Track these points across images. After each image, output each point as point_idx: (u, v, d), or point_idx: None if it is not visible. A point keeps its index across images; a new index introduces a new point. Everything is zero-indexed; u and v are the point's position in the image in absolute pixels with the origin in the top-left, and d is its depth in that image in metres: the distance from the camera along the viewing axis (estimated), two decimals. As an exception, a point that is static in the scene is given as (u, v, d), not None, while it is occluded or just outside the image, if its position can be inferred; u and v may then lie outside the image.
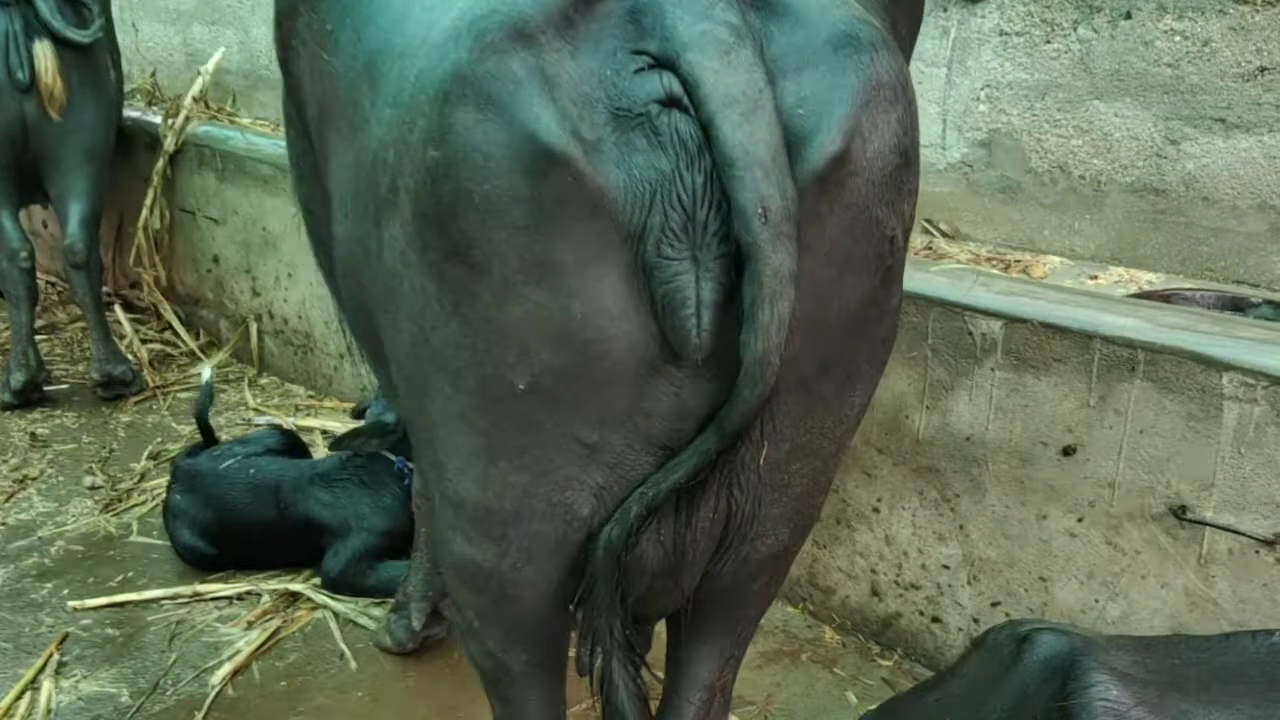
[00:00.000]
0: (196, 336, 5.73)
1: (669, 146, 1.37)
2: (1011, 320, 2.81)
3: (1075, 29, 3.55)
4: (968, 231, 3.92)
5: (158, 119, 5.60)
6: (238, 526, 3.57)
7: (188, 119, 5.44)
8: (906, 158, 1.50)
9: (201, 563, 3.66)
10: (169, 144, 5.40)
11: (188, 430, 4.83)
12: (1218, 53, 3.29)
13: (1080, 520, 2.78)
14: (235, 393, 5.26)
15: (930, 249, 3.84)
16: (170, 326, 5.79)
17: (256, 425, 4.85)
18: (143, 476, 4.38)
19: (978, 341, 2.88)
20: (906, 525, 3.14)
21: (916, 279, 3.10)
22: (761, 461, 1.60)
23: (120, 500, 4.21)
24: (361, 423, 3.55)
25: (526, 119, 1.33)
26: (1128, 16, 3.44)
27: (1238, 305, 3.14)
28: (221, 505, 3.58)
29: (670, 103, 1.37)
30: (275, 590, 3.54)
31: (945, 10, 3.79)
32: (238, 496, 3.57)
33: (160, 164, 5.43)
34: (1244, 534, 2.50)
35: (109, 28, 5.18)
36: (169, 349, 5.69)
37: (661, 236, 1.38)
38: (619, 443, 1.54)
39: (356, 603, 3.49)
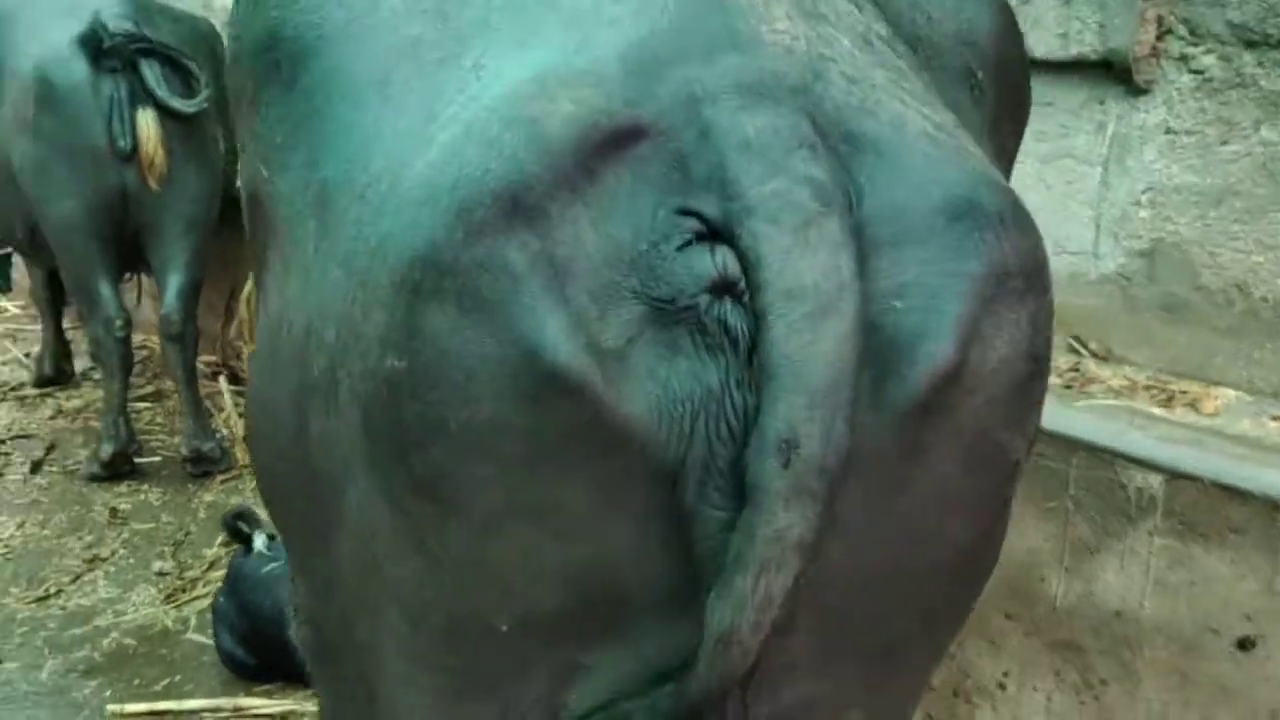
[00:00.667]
0: (292, 413, 5.59)
1: (719, 352, 1.01)
2: (1176, 476, 2.32)
3: (1257, 129, 3.07)
4: (1122, 354, 3.42)
5: (270, 192, 5.55)
6: (275, 638, 3.28)
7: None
8: (1038, 364, 1.14)
9: (243, 671, 3.40)
10: (277, 216, 5.32)
11: (267, 514, 4.64)
12: None
13: (1259, 732, 2.24)
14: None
15: (1077, 370, 3.35)
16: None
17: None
18: (211, 565, 4.18)
19: (1132, 498, 2.40)
20: (1039, 710, 2.63)
21: (1058, 415, 2.63)
22: None
23: (184, 590, 4.02)
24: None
25: (526, 329, 0.98)
26: (1325, 121, 2.95)
27: None
28: (258, 613, 3.30)
29: (725, 288, 1.01)
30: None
31: (1103, 103, 3.36)
32: (277, 606, 3.29)
33: (267, 236, 5.34)
34: None
35: (218, 96, 5.16)
36: (263, 425, 5.56)
37: (705, 476, 1.03)
38: (611, 663, 1.17)
39: None
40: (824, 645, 1.15)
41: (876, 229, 1.05)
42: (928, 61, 1.36)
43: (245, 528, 3.52)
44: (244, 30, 1.47)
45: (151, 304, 6.21)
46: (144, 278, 5.52)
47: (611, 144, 1.01)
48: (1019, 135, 1.63)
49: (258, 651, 3.33)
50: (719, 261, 1.00)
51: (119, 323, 4.77)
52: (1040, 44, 3.35)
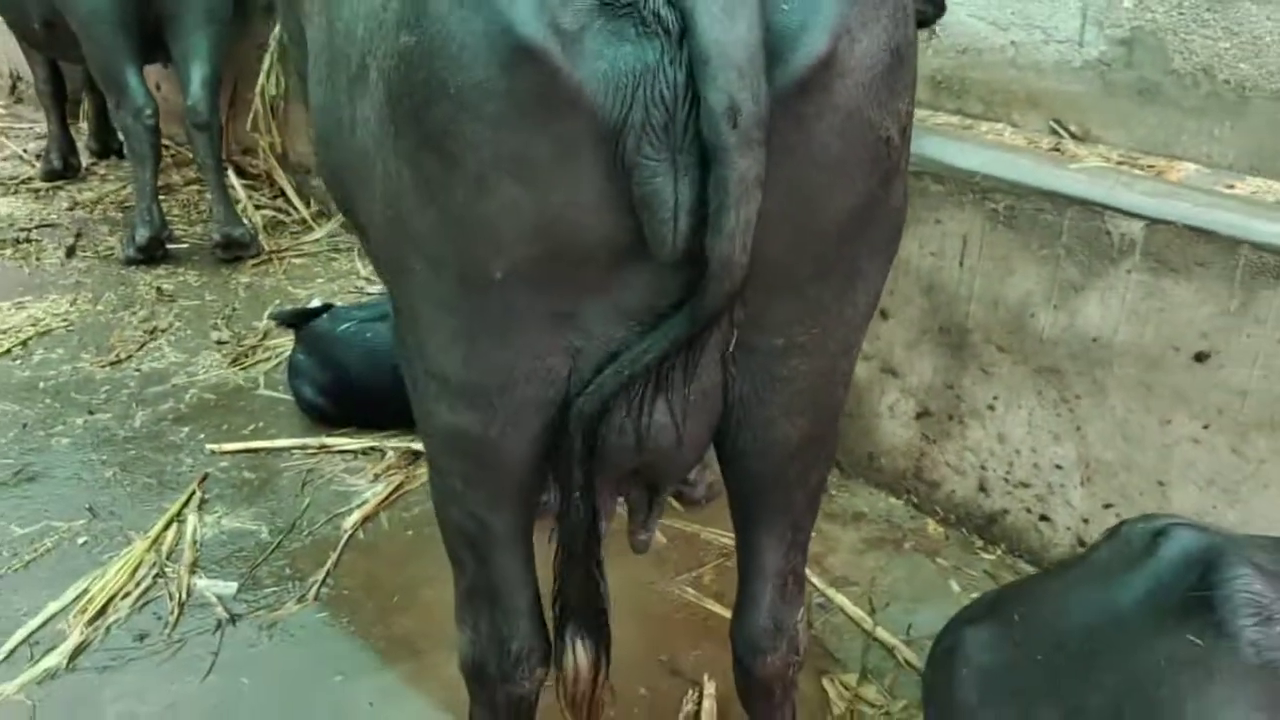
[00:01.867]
0: (308, 204, 5.86)
1: (655, 36, 1.30)
2: (1155, 222, 2.79)
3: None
4: (1099, 134, 3.83)
5: (276, -17, 5.64)
6: (354, 388, 3.71)
7: (307, -15, 5.46)
8: (899, 55, 1.43)
9: (324, 419, 3.83)
10: (288, 10, 5.44)
11: (303, 293, 5.00)
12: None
13: (1206, 427, 2.79)
14: (346, 261, 5.39)
15: (1059, 150, 3.77)
16: (283, 193, 5.92)
17: (368, 294, 4.99)
18: (265, 335, 4.56)
19: (1115, 242, 2.87)
20: (1021, 424, 3.17)
21: (1054, 176, 3.07)
22: (731, 349, 1.61)
23: (246, 355, 4.40)
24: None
25: (503, 9, 1.27)
26: (1296, -87, 3.29)
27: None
28: (339, 367, 3.72)
29: None
30: (398, 448, 3.70)
31: (1099, -99, 3.65)
32: (354, 360, 3.70)
33: (277, 29, 5.48)
34: None
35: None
36: (281, 215, 5.84)
37: (642, 134, 1.33)
38: (594, 313, 1.55)
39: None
40: (765, 279, 1.49)
41: None
42: None
43: (294, 319, 3.94)
44: None
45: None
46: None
47: None
48: None
49: (339, 400, 3.75)
50: None
51: (148, 111, 4.96)
52: None
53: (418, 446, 3.70)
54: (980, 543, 3.36)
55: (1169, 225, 2.75)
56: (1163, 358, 2.84)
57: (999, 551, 3.31)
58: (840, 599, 3.08)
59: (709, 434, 1.77)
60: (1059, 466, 3.12)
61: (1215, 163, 3.58)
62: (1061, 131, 3.94)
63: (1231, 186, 3.43)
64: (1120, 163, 3.68)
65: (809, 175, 1.43)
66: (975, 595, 2.83)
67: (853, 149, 1.45)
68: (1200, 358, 2.77)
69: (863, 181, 1.50)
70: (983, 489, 3.34)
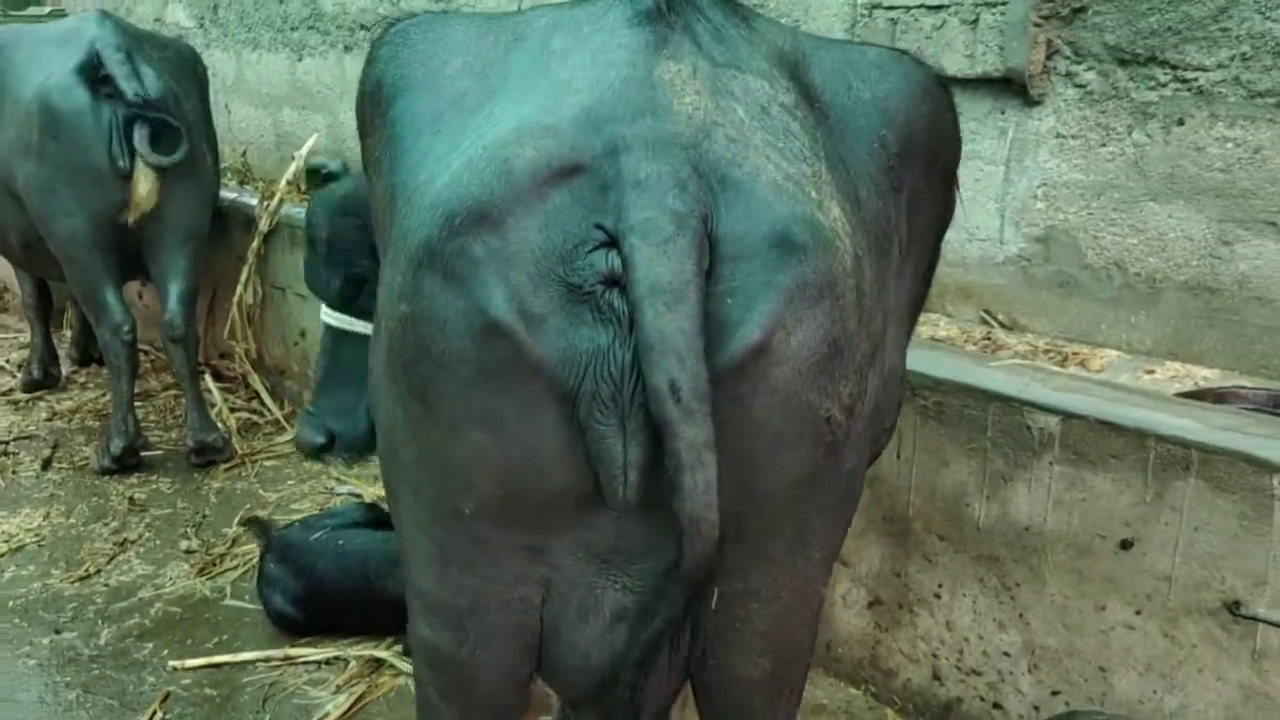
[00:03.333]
0: (281, 405, 6.02)
1: (609, 323, 1.49)
2: (1069, 416, 2.95)
3: (1130, 133, 3.71)
4: (1026, 323, 4.06)
5: (252, 200, 5.96)
6: (325, 595, 3.78)
7: (281, 200, 5.78)
8: (836, 347, 1.58)
9: (294, 628, 3.87)
10: (263, 224, 5.74)
11: (275, 497, 5.09)
12: (1269, 160, 3.42)
13: (1138, 613, 2.88)
14: (317, 463, 5.50)
15: (989, 339, 3.98)
16: (257, 396, 6.09)
17: (339, 495, 5.09)
18: (234, 541, 4.63)
19: (1036, 435, 3.02)
20: (967, 612, 3.25)
21: (976, 373, 3.25)
22: (713, 603, 1.72)
23: (214, 564, 4.46)
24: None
25: (479, 295, 1.50)
26: (1180, 123, 3.60)
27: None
28: (312, 575, 3.79)
29: (612, 282, 1.49)
30: (362, 656, 3.73)
31: (1003, 113, 3.98)
32: (326, 567, 3.78)
33: (255, 243, 5.76)
34: (1298, 630, 2.59)
35: (206, 114, 5.56)
36: (255, 417, 5.98)
37: (593, 402, 1.51)
38: (561, 549, 1.70)
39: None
40: (733, 542, 1.61)
41: (724, 247, 1.51)
42: (836, 122, 1.83)
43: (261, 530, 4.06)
44: (363, 80, 2.02)
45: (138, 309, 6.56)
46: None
47: (558, 176, 1.51)
48: (937, 170, 2.09)
49: (311, 608, 3.80)
50: (610, 262, 1.48)
51: (126, 328, 5.17)
52: (951, 64, 3.96)
53: (381, 654, 3.74)
54: (939, 732, 3.38)
55: (1083, 419, 2.91)
56: (1091, 545, 2.95)
57: (957, 741, 3.34)
58: (799, 799, 3.08)
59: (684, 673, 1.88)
60: (1006, 654, 3.19)
61: (1135, 349, 3.79)
62: (991, 321, 4.16)
63: (1151, 371, 3.63)
64: (1046, 350, 3.89)
65: (749, 445, 1.57)
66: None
67: (791, 425, 1.58)
68: (1125, 545, 2.88)
69: (805, 453, 1.63)
70: (936, 677, 3.38)
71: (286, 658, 3.76)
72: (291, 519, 4.75)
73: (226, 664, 3.74)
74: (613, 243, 1.49)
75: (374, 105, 1.93)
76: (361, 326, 3.07)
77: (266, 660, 3.76)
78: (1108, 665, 2.97)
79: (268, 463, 5.50)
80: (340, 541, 3.83)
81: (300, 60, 7.18)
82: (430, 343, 1.55)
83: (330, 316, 3.06)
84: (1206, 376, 3.56)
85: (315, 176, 3.16)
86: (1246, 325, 3.56)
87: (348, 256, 3.04)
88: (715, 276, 1.51)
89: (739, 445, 1.56)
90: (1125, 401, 2.92)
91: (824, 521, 1.82)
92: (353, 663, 3.71)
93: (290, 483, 5.27)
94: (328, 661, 3.75)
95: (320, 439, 3.09)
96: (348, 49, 6.78)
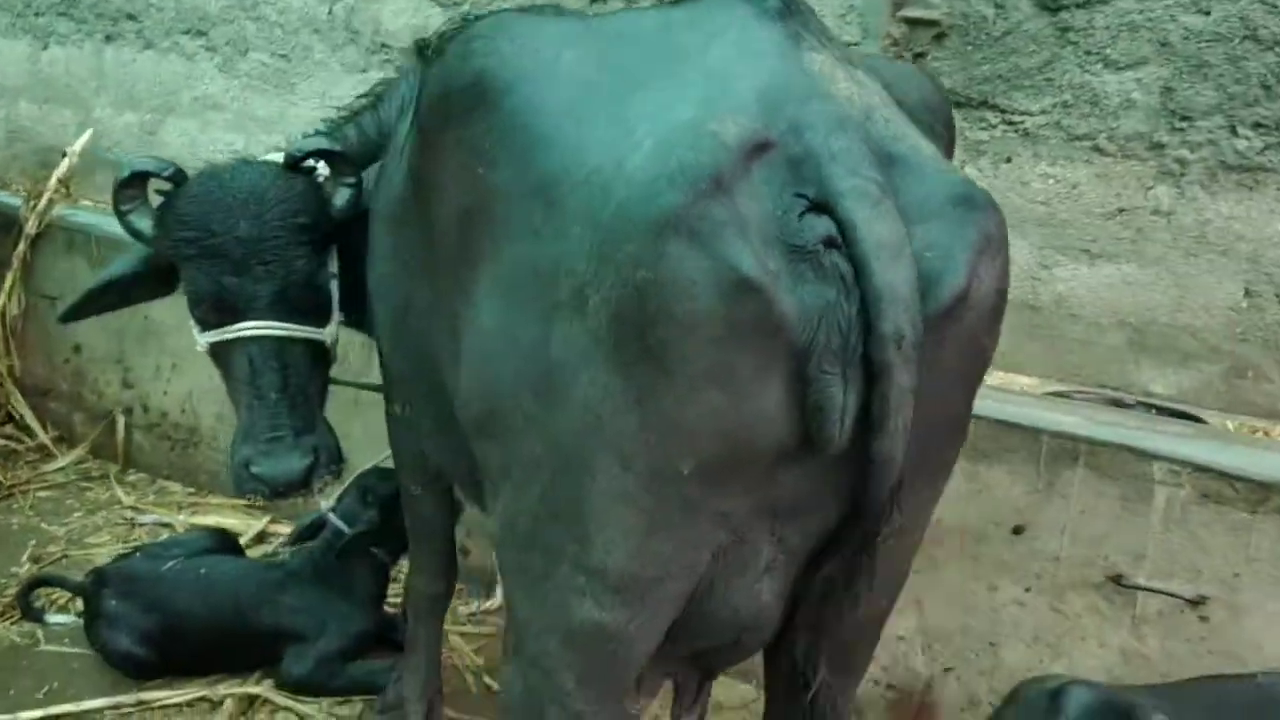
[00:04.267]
0: (46, 428, 5.35)
1: (831, 279, 1.61)
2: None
3: (961, 169, 4.15)
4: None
5: (14, 200, 5.28)
6: (187, 631, 3.43)
7: (51, 202, 5.17)
8: (1003, 295, 1.79)
9: (140, 669, 3.47)
10: (30, 227, 5.11)
11: (62, 530, 4.54)
12: (1084, 194, 3.94)
13: (1028, 590, 3.22)
14: (103, 489, 4.96)
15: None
16: (14, 419, 5.38)
17: (141, 524, 4.62)
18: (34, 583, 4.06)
19: (933, 435, 3.30)
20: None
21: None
22: (881, 542, 1.81)
23: (11, 609, 3.90)
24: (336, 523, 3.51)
25: (729, 255, 1.55)
26: (1008, 160, 4.06)
27: (1118, 405, 3.74)
28: (167, 610, 3.43)
29: (830, 243, 1.61)
30: (235, 694, 3.41)
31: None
32: (186, 600, 3.44)
33: (20, 248, 5.11)
34: (1173, 595, 3.00)
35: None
36: (14, 444, 5.28)
37: (823, 355, 1.61)
38: (746, 510, 1.77)
39: (320, 704, 3.43)
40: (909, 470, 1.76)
41: (910, 211, 1.65)
42: (910, 116, 2.02)
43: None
44: (452, 76, 1.94)
45: None
46: None
47: (756, 150, 1.61)
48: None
49: (164, 646, 3.42)
50: (825, 226, 1.60)
51: None
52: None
53: (255, 690, 3.44)
54: (832, 719, 3.57)
55: (982, 419, 3.22)
56: (985, 532, 3.26)
57: (851, 725, 3.54)
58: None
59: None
60: (902, 637, 3.44)
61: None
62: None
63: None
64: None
65: (936, 385, 1.68)
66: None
67: (967, 365, 1.77)
68: (1017, 531, 3.22)
69: (966, 392, 1.82)
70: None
71: (140, 703, 3.37)
72: (92, 554, 4.29)
73: (68, 714, 3.30)
74: (818, 209, 1.60)
75: (473, 97, 1.88)
76: (310, 331, 2.85)
77: (116, 708, 3.35)
78: (997, 640, 3.29)
79: (42, 493, 4.89)
80: (202, 570, 3.49)
81: (46, 49, 6.46)
82: (675, 305, 1.56)
83: (272, 328, 2.78)
84: (1026, 385, 4.03)
85: (136, 180, 2.72)
86: (1063, 339, 4.06)
87: (282, 259, 2.78)
88: (909, 237, 1.64)
89: (929, 386, 1.65)
90: (1016, 402, 3.27)
91: (952, 460, 1.97)
92: (227, 702, 3.38)
93: (77, 514, 4.72)
94: (191, 704, 3.40)
95: (307, 459, 2.81)
96: (109, 39, 6.19)
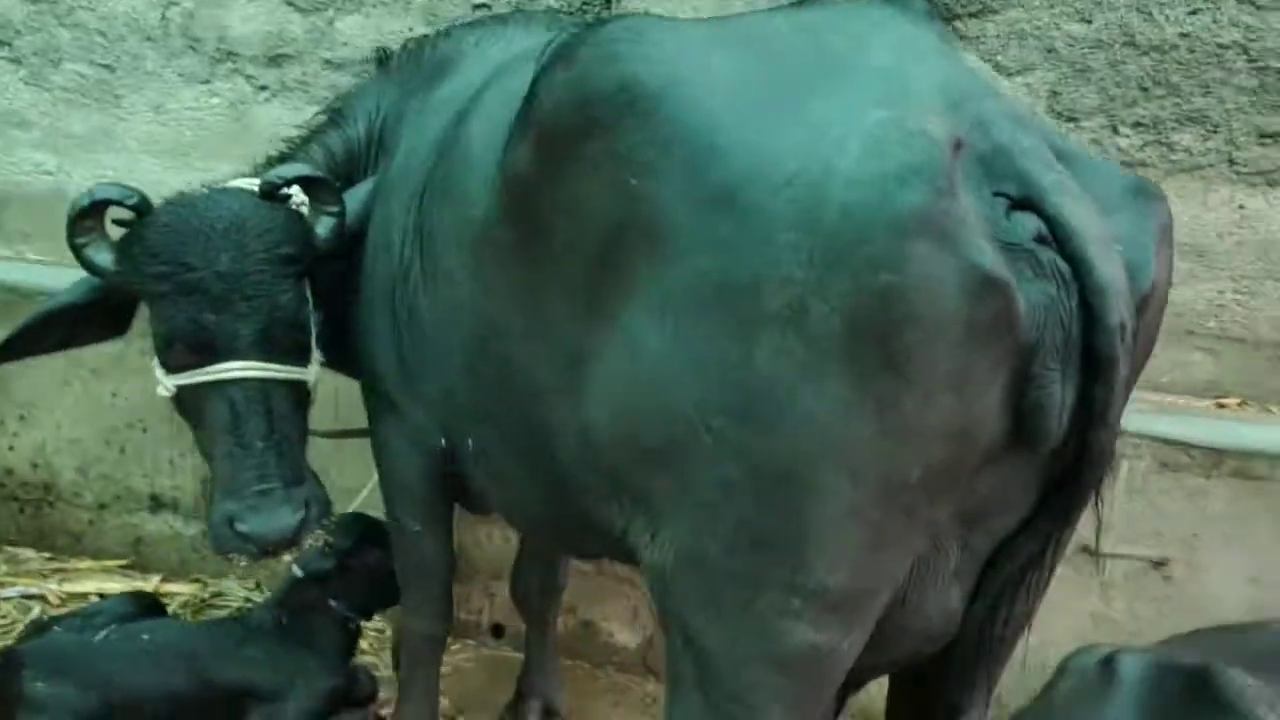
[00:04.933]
0: None
1: (1051, 276, 1.63)
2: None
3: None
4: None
5: None
6: (137, 704, 3.03)
7: None
8: (1170, 282, 1.89)
9: (76, 756, 3.04)
10: None
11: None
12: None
13: (1002, 568, 3.39)
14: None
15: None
16: None
17: (5, 599, 4.06)
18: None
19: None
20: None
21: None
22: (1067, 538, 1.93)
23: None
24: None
25: (971, 251, 1.55)
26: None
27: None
28: (109, 685, 3.02)
29: (1042, 239, 1.63)
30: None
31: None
32: (133, 671, 3.05)
33: None
34: (1138, 558, 3.25)
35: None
36: None
37: (1048, 352, 1.64)
38: (945, 518, 1.77)
39: (293, 769, 3.14)
40: None
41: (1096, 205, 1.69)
42: None
43: None
44: (591, 83, 1.82)
45: None
46: None
47: (955, 147, 1.59)
48: None
49: (110, 721, 3.02)
50: (1035, 223, 1.62)
51: None
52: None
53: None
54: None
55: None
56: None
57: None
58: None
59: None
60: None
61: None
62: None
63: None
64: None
65: (1137, 362, 1.76)
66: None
67: (1144, 354, 1.84)
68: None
69: (1138, 373, 1.83)
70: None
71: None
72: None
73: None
74: (1024, 205, 1.63)
75: (622, 104, 1.77)
76: (295, 371, 2.62)
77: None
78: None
79: None
80: (145, 636, 3.11)
81: None
82: (922, 308, 1.53)
83: (257, 368, 2.53)
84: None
85: (95, 209, 2.42)
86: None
87: (267, 294, 2.54)
88: None
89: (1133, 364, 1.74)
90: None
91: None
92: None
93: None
94: (151, 789, 3.02)
95: (300, 514, 2.56)
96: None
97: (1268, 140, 3.53)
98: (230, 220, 2.54)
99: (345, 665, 3.28)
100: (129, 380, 4.15)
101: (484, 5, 4.50)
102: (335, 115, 3.10)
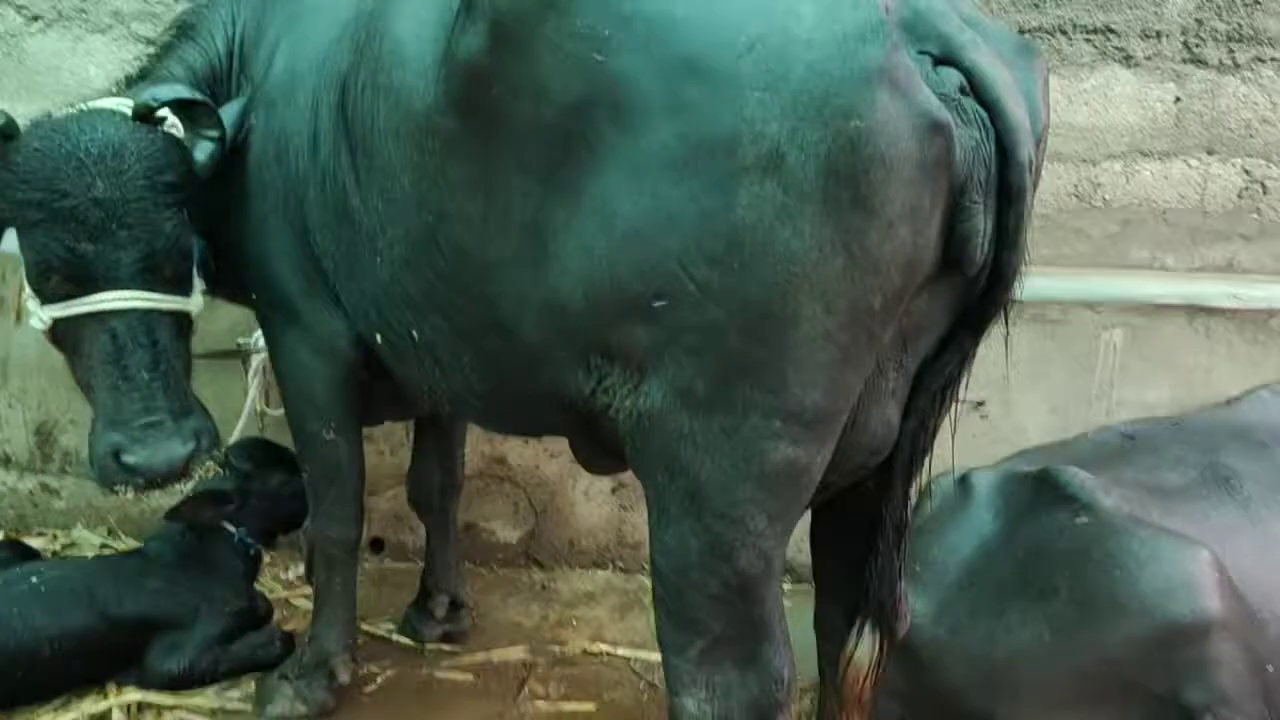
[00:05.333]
0: None
1: (973, 121, 1.90)
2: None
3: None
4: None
5: None
6: (32, 648, 2.93)
7: None
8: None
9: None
10: None
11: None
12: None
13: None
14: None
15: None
16: None
17: None
18: None
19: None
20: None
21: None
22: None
23: None
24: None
25: (920, 99, 1.81)
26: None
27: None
28: (5, 629, 2.91)
29: (964, 90, 1.90)
30: (123, 704, 3.01)
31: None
32: (24, 614, 2.94)
33: None
34: (962, 400, 3.71)
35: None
36: None
37: (974, 187, 1.91)
38: (888, 339, 2.03)
39: (206, 693, 3.13)
40: None
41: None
42: None
43: None
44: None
45: None
46: None
47: (887, 11, 1.83)
48: None
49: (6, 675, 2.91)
50: (957, 76, 1.88)
51: None
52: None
53: (154, 699, 3.06)
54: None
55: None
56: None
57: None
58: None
59: None
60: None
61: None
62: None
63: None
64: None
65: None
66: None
67: (1036, 181, 2.11)
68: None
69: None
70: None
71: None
72: None
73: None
74: (945, 61, 1.89)
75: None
76: (179, 301, 2.61)
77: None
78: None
79: None
80: (32, 579, 3.00)
81: None
82: (887, 149, 1.77)
83: (140, 298, 2.50)
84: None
85: None
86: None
87: (148, 222, 2.49)
88: None
89: None
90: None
91: None
92: (115, 713, 2.97)
93: None
94: (52, 729, 2.95)
95: (189, 445, 2.55)
96: None
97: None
98: (105, 144, 2.46)
99: (248, 589, 3.29)
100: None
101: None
102: (187, 30, 2.95)
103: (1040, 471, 2.85)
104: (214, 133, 2.62)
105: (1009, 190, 1.93)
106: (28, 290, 2.57)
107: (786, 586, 3.75)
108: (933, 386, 2.16)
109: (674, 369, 1.95)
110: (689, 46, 1.82)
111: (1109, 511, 2.67)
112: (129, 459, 2.50)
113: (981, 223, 1.92)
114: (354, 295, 2.62)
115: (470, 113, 2.12)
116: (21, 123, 2.53)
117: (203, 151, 2.61)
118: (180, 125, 2.63)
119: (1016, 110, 1.89)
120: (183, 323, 2.66)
